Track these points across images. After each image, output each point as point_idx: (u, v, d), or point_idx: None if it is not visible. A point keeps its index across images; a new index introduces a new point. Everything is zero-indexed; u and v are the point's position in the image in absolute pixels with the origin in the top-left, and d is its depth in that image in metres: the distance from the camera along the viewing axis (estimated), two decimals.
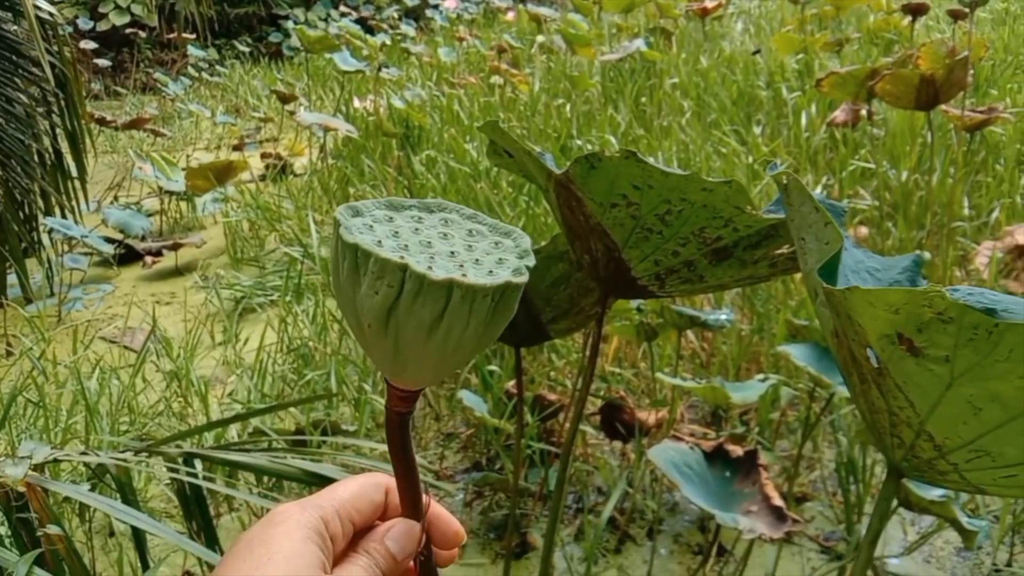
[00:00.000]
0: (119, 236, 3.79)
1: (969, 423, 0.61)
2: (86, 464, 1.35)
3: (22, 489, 0.99)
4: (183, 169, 4.17)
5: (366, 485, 0.48)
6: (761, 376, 1.85)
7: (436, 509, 0.50)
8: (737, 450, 1.37)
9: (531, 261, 0.41)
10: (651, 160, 0.67)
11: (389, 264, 0.38)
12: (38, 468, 1.03)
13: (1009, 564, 1.73)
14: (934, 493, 1.46)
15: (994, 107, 2.88)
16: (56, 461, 1.11)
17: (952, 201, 2.82)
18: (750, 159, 3.46)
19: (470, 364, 2.24)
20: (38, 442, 1.41)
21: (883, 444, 0.68)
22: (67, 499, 1.74)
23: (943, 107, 2.83)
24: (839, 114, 3.57)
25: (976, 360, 0.57)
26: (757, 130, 3.90)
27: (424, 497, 0.48)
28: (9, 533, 1.07)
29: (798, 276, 2.53)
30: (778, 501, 1.29)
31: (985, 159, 3.29)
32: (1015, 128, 3.39)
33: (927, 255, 2.17)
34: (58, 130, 3.36)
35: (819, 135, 3.70)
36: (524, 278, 0.40)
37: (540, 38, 6.59)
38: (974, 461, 0.63)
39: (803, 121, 3.88)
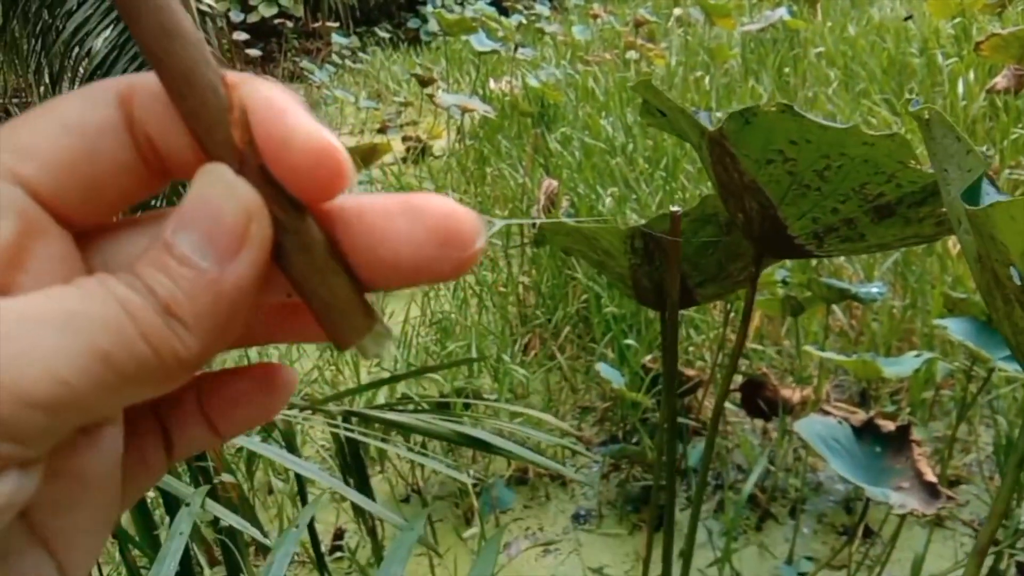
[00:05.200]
0: None
1: None
2: None
3: None
4: None
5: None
6: (914, 353, 1.77)
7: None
8: (888, 425, 1.33)
9: None
10: (808, 114, 0.66)
11: None
12: None
13: None
14: None
15: None
16: None
17: None
18: (903, 129, 3.29)
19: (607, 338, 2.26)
20: None
21: None
22: (236, 453, 1.88)
23: None
24: (1000, 80, 3.34)
25: None
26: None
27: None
28: (188, 482, 1.17)
29: (956, 250, 2.40)
30: (931, 477, 1.24)
31: None
32: None
33: None
34: None
35: (978, 103, 3.48)
36: None
37: (677, 11, 6.47)
38: None
39: (960, 89, 3.65)
